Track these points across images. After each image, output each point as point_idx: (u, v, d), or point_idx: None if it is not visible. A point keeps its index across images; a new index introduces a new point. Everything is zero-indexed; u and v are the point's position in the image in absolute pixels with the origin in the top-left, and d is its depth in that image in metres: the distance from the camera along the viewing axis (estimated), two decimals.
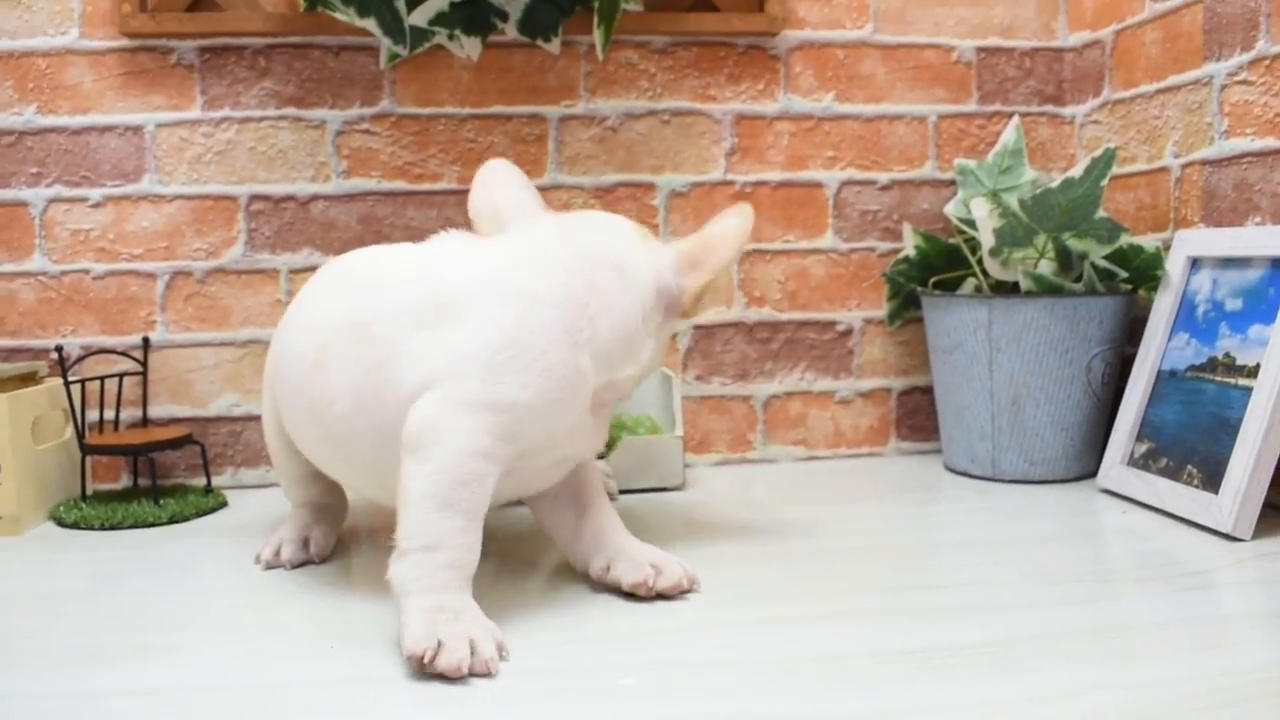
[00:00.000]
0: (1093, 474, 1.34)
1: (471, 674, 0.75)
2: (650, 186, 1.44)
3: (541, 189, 1.40)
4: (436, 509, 0.81)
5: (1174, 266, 1.27)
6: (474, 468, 0.83)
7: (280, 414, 1.03)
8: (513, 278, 0.90)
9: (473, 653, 0.76)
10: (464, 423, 0.83)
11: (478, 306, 0.87)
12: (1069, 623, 0.84)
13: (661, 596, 0.93)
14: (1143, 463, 1.22)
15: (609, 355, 0.92)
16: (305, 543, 1.06)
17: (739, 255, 1.02)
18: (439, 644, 0.75)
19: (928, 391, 1.52)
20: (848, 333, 1.49)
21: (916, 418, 1.52)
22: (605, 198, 1.43)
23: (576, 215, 1.00)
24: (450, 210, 1.40)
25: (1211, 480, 1.11)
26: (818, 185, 1.47)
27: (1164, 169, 1.33)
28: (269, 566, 1.04)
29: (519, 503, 1.22)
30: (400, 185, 1.39)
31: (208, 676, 0.78)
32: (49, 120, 1.34)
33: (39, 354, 1.36)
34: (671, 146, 1.44)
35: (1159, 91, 1.34)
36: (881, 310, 1.50)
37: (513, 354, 0.85)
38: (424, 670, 0.75)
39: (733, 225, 0.97)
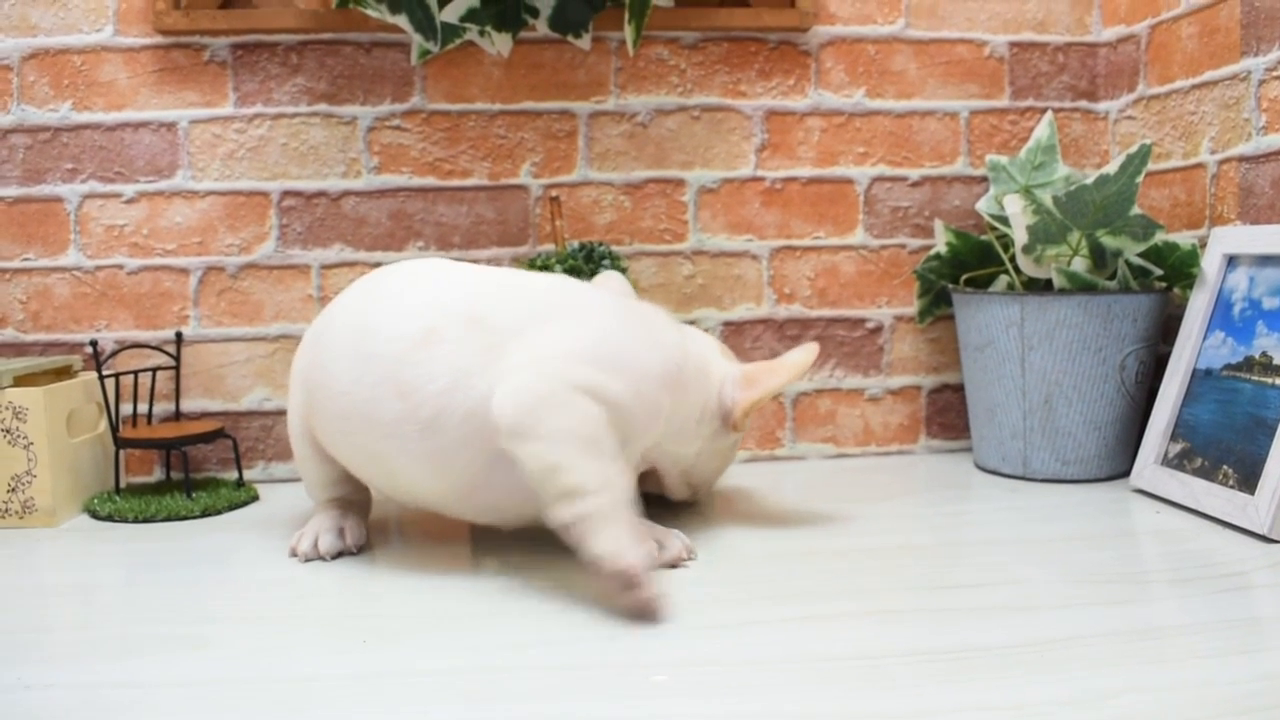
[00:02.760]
0: (1126, 474, 1.33)
1: (674, 565, 0.96)
2: (680, 183, 1.43)
3: (571, 186, 1.41)
4: (593, 459, 0.88)
5: (1210, 264, 1.25)
6: (599, 427, 0.89)
7: (317, 409, 1.02)
8: (626, 320, 1.00)
9: (662, 548, 0.93)
10: (574, 396, 0.89)
11: (588, 313, 0.97)
12: (1102, 624, 0.83)
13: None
14: (1177, 462, 1.21)
15: (669, 424, 1.03)
16: (341, 533, 1.07)
17: (793, 383, 1.14)
18: (647, 551, 0.87)
19: (958, 389, 1.51)
20: (878, 330, 1.49)
21: (947, 416, 1.51)
22: (635, 194, 1.43)
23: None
24: (480, 206, 1.40)
25: (1247, 481, 1.10)
26: (848, 181, 1.46)
27: (1200, 165, 1.32)
28: (307, 559, 1.05)
29: None
30: (431, 181, 1.40)
31: (241, 669, 0.78)
32: (84, 117, 1.35)
33: (74, 348, 1.37)
34: (702, 143, 1.43)
35: (1195, 87, 1.32)
36: (912, 307, 1.49)
37: (621, 360, 0.95)
38: (632, 583, 0.85)
39: (795, 357, 1.10)
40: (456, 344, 0.94)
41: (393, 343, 0.96)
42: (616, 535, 0.86)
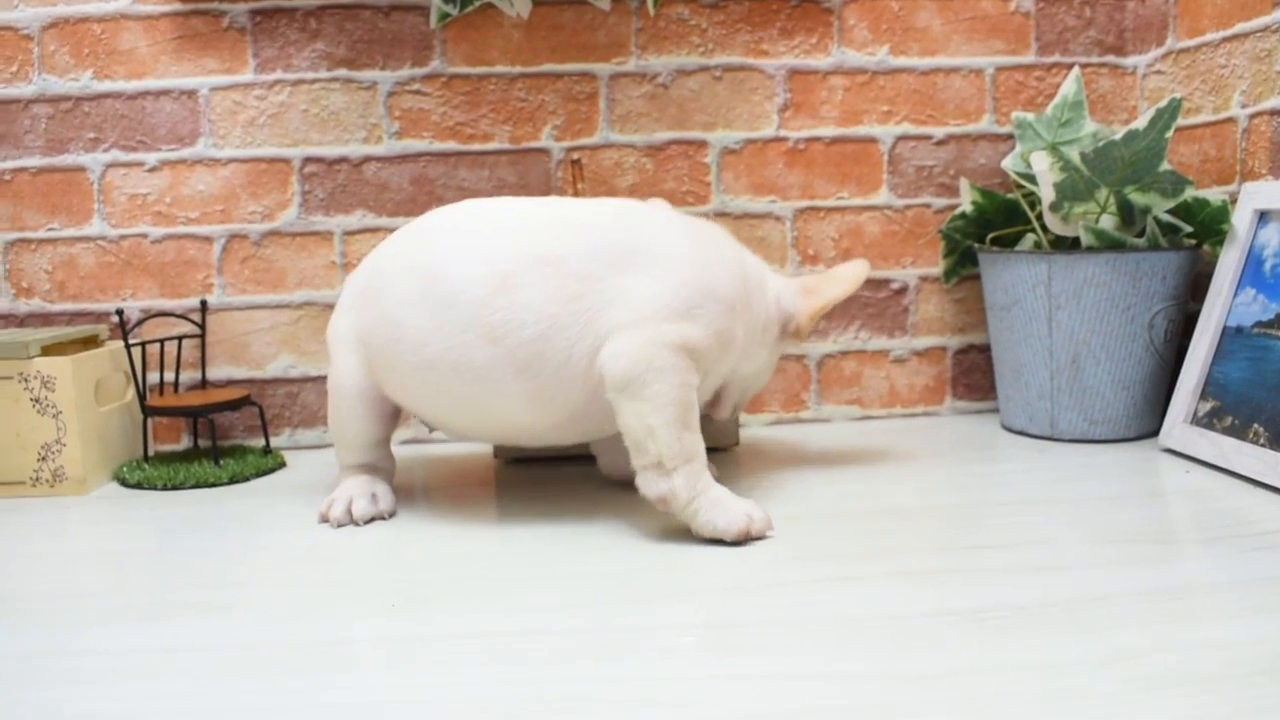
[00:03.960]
0: (1154, 433, 1.32)
1: (765, 535, 0.98)
2: (702, 144, 1.42)
3: (593, 148, 1.40)
4: (681, 430, 0.96)
5: (1240, 220, 1.24)
6: (690, 395, 0.97)
7: (391, 365, 1.03)
8: (701, 246, 1.02)
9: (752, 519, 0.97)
10: (674, 360, 0.95)
11: (670, 259, 0.99)
12: (1132, 584, 0.83)
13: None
14: (1207, 421, 1.20)
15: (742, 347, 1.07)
16: (374, 498, 1.08)
17: (851, 294, 1.18)
18: (750, 517, 0.96)
19: (984, 350, 1.50)
20: (903, 290, 1.48)
21: (973, 376, 1.50)
22: (657, 156, 1.42)
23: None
24: (502, 170, 1.40)
25: (1279, 439, 1.08)
26: (872, 140, 1.45)
27: (1230, 120, 1.30)
28: (339, 524, 1.06)
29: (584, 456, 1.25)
30: (452, 146, 1.39)
31: (270, 633, 0.79)
32: (105, 86, 1.35)
33: (100, 317, 1.38)
34: (724, 103, 1.42)
35: (1225, 40, 1.30)
36: (937, 267, 1.48)
37: (706, 306, 0.99)
38: (748, 539, 0.96)
39: (852, 268, 1.15)
40: (537, 288, 0.97)
41: (469, 289, 0.98)
42: (719, 507, 0.96)
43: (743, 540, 0.96)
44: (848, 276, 1.14)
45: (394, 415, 1.11)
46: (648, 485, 0.97)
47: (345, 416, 1.09)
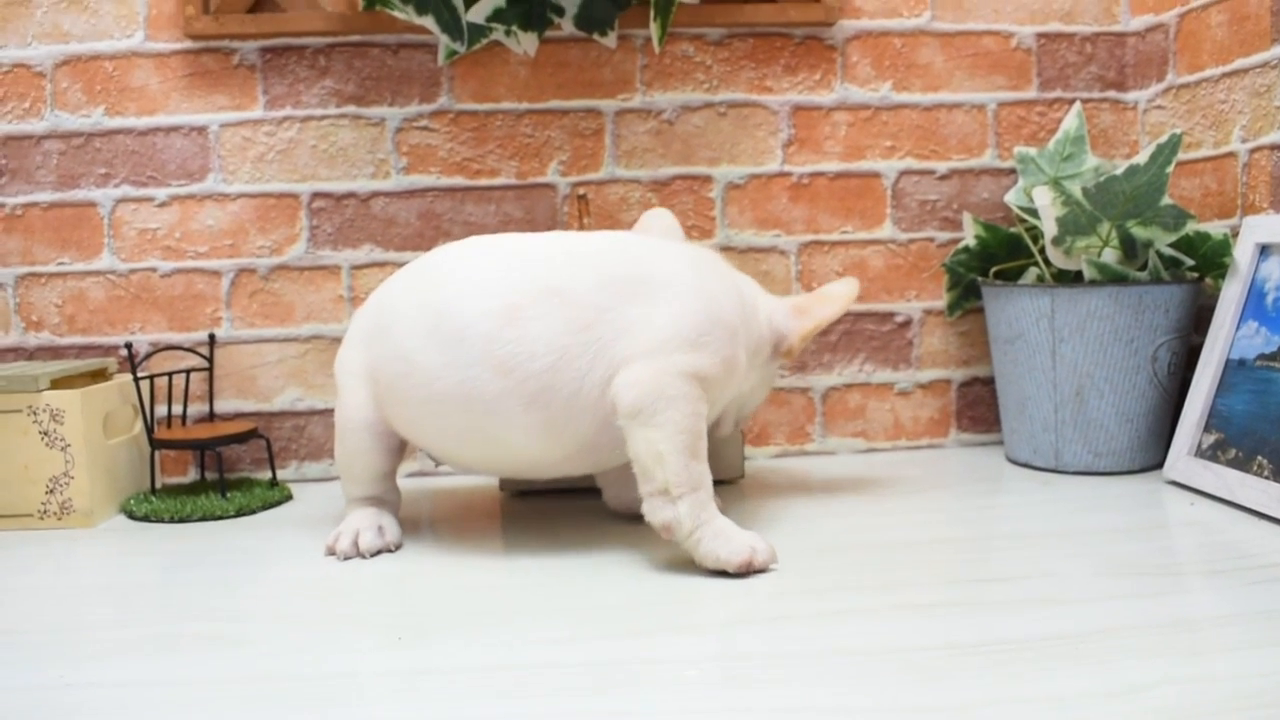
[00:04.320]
0: (1158, 465, 1.32)
1: (768, 568, 0.98)
2: (707, 179, 1.44)
3: (599, 183, 1.41)
4: (689, 458, 0.96)
5: (1242, 253, 1.24)
6: (701, 424, 0.98)
7: (400, 399, 1.04)
8: (703, 276, 1.03)
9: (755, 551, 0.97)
10: (686, 389, 0.97)
11: (677, 290, 1.00)
12: (1137, 616, 0.83)
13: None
14: (1211, 454, 1.20)
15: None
16: (380, 531, 1.08)
17: (842, 314, 1.17)
18: (753, 549, 0.96)
19: (988, 382, 1.50)
20: (907, 324, 1.48)
21: (977, 409, 1.51)
22: (662, 191, 1.43)
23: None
24: (508, 205, 1.41)
25: None
26: (876, 175, 1.46)
27: (1231, 154, 1.31)
28: (346, 557, 1.06)
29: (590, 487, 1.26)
30: (459, 181, 1.40)
31: (277, 666, 0.79)
32: (116, 122, 1.37)
33: (109, 351, 1.39)
34: (728, 139, 1.43)
35: (1225, 75, 1.31)
36: (941, 301, 1.48)
37: (713, 334, 1.00)
38: (751, 571, 0.96)
39: (842, 288, 1.16)
40: (546, 320, 0.98)
41: (478, 323, 0.99)
42: (722, 538, 0.96)
43: (745, 572, 0.96)
44: (839, 295, 1.15)
45: (400, 448, 1.11)
46: (653, 512, 0.97)
47: (352, 449, 1.10)
